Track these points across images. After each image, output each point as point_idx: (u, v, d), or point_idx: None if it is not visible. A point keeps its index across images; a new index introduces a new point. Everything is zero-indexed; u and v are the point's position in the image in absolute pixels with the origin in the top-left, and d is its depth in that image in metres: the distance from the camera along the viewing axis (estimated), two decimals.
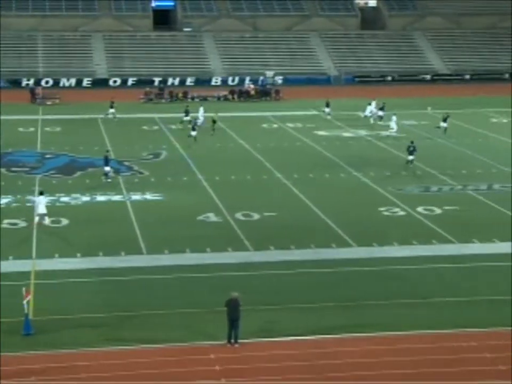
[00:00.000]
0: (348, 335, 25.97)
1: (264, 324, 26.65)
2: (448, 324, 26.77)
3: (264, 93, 79.85)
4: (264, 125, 64.00)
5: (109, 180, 45.11)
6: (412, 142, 50.00)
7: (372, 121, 64.76)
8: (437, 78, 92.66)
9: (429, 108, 67.96)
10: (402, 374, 23.35)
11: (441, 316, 27.54)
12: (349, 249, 34.46)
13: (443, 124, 59.75)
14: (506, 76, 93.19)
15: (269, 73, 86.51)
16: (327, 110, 67.40)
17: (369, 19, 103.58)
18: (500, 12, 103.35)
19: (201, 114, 62.57)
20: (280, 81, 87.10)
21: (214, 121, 59.99)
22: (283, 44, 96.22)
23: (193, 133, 56.36)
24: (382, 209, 40.36)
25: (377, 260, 33.08)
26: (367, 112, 66.00)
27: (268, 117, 67.57)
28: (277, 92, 79.93)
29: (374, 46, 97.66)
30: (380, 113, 65.01)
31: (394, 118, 60.61)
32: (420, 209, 40.23)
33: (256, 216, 39.02)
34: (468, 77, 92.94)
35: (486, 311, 27.99)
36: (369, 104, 66.52)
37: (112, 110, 64.63)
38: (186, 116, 61.96)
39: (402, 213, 39.86)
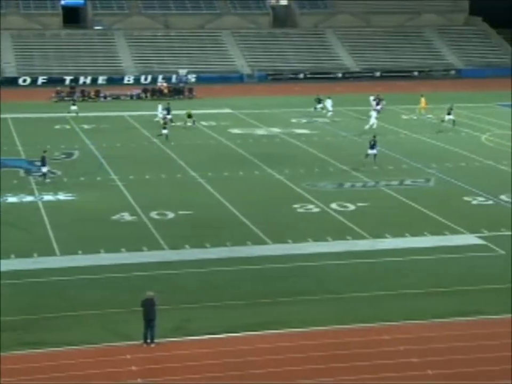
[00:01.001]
0: (264, 332, 26.05)
1: (181, 323, 26.57)
2: (361, 318, 27.10)
3: (177, 91, 79.56)
4: (178, 123, 63.76)
5: (48, 180, 44.42)
6: (374, 136, 50.68)
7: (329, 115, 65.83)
8: (348, 76, 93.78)
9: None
10: (315, 370, 23.54)
11: (355, 311, 27.86)
12: (264, 247, 34.60)
13: (448, 117, 60.99)
14: (415, 73, 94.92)
15: (182, 72, 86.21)
16: (319, 106, 67.98)
17: (281, 17, 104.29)
18: (408, 10, 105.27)
19: (160, 111, 62.91)
20: (193, 80, 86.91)
21: (190, 116, 61.30)
22: (195, 42, 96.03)
23: (165, 131, 56.42)
24: (296, 206, 40.64)
25: (292, 256, 33.30)
26: (329, 107, 66.63)
27: (181, 116, 67.31)
28: (190, 90, 79.72)
29: (286, 43, 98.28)
30: (319, 106, 66.00)
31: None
32: (333, 205, 40.64)
33: (171, 215, 38.87)
34: (378, 74, 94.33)
35: (398, 305, 28.44)
36: (328, 98, 66.81)
37: None
38: (168, 114, 61.77)
39: (316, 209, 40.21)
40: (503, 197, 42.00)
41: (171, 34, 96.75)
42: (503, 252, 33.81)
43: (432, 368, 23.54)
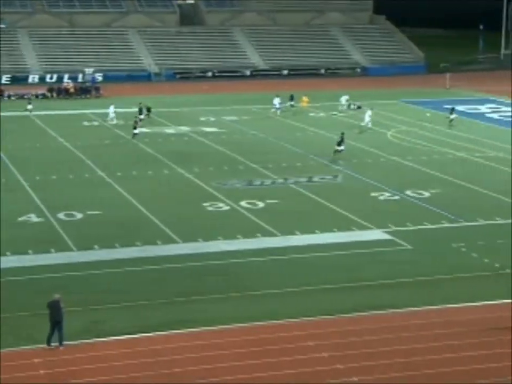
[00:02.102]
0: (176, 331, 25.94)
1: (91, 325, 26.23)
2: (273, 315, 27.20)
3: (83, 90, 78.57)
4: (85, 123, 63.03)
5: None
6: (343, 133, 51.16)
7: (278, 113, 65.72)
8: (256, 74, 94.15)
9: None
10: (229, 367, 23.53)
11: (267, 308, 27.96)
12: (174, 246, 34.45)
13: (452, 116, 61.48)
14: (322, 71, 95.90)
15: (88, 70, 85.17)
16: (291, 102, 67.88)
17: (188, 15, 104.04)
18: (314, 9, 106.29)
19: (111, 111, 62.16)
20: (100, 78, 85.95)
21: (149, 110, 62.29)
22: (102, 40, 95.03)
23: (136, 131, 56.08)
24: (206, 204, 40.58)
25: (203, 255, 33.24)
26: (277, 104, 66.42)
27: (88, 115, 66.57)
28: (97, 89, 78.85)
29: (194, 42, 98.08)
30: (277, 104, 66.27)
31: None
32: (243, 203, 40.74)
33: (79, 216, 38.36)
34: (285, 72, 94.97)
35: (309, 301, 28.66)
36: (276, 96, 66.75)
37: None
38: (140, 113, 60.81)
39: (226, 207, 40.23)
40: (408, 192, 42.75)
41: (77, 32, 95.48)
42: (409, 247, 34.42)
43: (342, 362, 23.79)
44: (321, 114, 66.52)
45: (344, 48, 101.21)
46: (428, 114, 66.22)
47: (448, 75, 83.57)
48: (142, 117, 60.91)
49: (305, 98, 68.18)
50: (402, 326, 26.43)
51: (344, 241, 35.09)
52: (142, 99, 66.49)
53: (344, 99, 68.50)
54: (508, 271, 31.34)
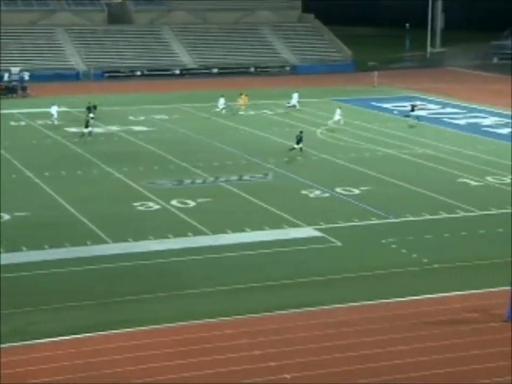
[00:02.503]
0: (110, 332, 25.73)
1: (19, 328, 25.85)
2: (205, 314, 27.15)
3: (10, 89, 77.32)
4: (12, 123, 62.08)
5: None
6: (301, 132, 51.21)
7: (223, 112, 65.07)
8: (186, 73, 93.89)
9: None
10: (162, 367, 23.44)
11: (199, 307, 27.91)
12: (104, 246, 34.15)
13: (412, 113, 61.39)
14: (252, 69, 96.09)
15: (15, 70, 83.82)
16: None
17: (116, 14, 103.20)
18: (243, 8, 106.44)
19: (54, 111, 61.26)
20: (26, 78, 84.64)
21: (95, 107, 61.48)
22: (28, 39, 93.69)
23: (86, 130, 55.65)
24: (136, 204, 40.33)
25: (134, 255, 33.02)
26: (221, 105, 65.75)
27: (15, 115, 65.58)
28: (24, 88, 77.68)
29: (122, 40, 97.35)
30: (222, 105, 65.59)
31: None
32: (174, 202, 40.59)
33: (6, 217, 37.76)
34: (215, 71, 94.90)
35: (240, 299, 28.70)
36: (221, 96, 66.11)
37: None
38: (89, 112, 59.79)
39: (157, 207, 40.03)
40: (338, 189, 43.09)
41: (2, 31, 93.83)
42: (339, 243, 34.70)
43: (274, 360, 23.86)
44: (251, 112, 66.60)
45: (273, 47, 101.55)
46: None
47: (376, 73, 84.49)
48: (92, 115, 60.13)
49: (243, 97, 67.63)
50: (334, 322, 26.62)
51: (275, 239, 35.20)
52: (70, 98, 65.83)
53: (295, 96, 68.06)
54: (436, 266, 31.85)
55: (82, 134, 55.76)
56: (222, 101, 65.81)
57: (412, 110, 61.80)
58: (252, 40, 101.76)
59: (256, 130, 59.35)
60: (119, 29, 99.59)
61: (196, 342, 25.04)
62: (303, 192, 42.84)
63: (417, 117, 61.26)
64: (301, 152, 50.46)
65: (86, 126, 56.28)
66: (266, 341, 25.14)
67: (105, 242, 34.60)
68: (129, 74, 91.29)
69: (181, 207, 39.96)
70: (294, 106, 67.70)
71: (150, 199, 41.16)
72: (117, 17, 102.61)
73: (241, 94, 67.73)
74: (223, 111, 65.22)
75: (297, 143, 50.83)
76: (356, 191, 42.75)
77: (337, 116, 60.28)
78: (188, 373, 23.08)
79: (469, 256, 32.90)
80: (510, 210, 39.19)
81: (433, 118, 64.64)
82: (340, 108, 61.47)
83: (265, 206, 40.16)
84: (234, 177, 45.87)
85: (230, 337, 25.46)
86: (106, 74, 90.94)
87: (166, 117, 65.34)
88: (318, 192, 42.86)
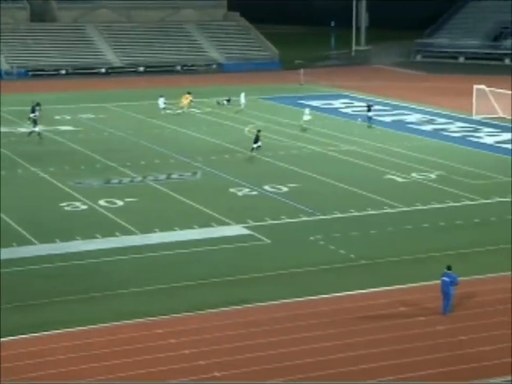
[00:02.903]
0: (37, 334, 25.42)
1: None
2: (133, 314, 27.01)
3: None
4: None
5: None
6: (259, 131, 51.02)
7: (162, 112, 64.41)
8: (111, 71, 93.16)
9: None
10: (91, 368, 23.27)
11: (127, 307, 27.74)
12: (30, 247, 33.69)
13: (368, 114, 60.39)
14: (178, 68, 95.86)
15: None
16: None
17: (39, 12, 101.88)
18: (168, 6, 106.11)
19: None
20: None
21: (38, 104, 59.69)
22: None
23: (36, 129, 54.87)
24: (63, 204, 39.87)
25: (61, 255, 32.64)
26: (161, 104, 65.00)
27: None
28: None
29: (46, 39, 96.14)
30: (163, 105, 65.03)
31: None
32: (101, 202, 40.24)
33: None
34: (141, 69, 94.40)
35: (169, 299, 28.60)
36: (161, 96, 65.47)
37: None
38: (33, 112, 58.09)
39: (84, 207, 39.63)
40: (266, 187, 43.25)
41: None
42: (268, 241, 34.84)
43: (204, 358, 23.85)
44: (179, 111, 66.35)
45: (199, 45, 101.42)
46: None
47: (302, 71, 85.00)
48: (37, 114, 58.93)
49: (188, 96, 66.82)
50: (263, 319, 26.71)
51: (204, 237, 35.17)
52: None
53: (242, 96, 67.37)
54: (363, 262, 32.20)
55: (31, 133, 54.82)
56: (162, 100, 65.27)
57: (369, 110, 60.85)
58: (177, 38, 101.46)
59: (184, 129, 59.19)
60: (42, 27, 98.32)
61: (128, 342, 24.91)
62: (232, 190, 42.89)
63: (369, 118, 60.61)
64: (256, 151, 50.18)
65: (34, 126, 55.39)
66: (187, 341, 25.11)
67: (31, 243, 34.13)
68: (54, 73, 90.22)
69: (109, 206, 39.63)
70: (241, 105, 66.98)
71: (77, 199, 40.73)
72: (40, 15, 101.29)
73: (188, 93, 67.00)
74: (163, 111, 64.55)
75: (255, 142, 50.54)
76: (284, 189, 42.96)
77: (307, 116, 60.05)
78: (123, 373, 22.99)
79: (395, 252, 33.34)
80: (435, 206, 39.86)
81: (358, 116, 65.25)
82: (307, 108, 61.11)
83: (194, 204, 40.09)
84: (163, 176, 45.68)
85: (158, 337, 25.36)
86: (31, 73, 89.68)
87: (93, 116, 64.72)
88: (246, 190, 42.95)
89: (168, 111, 64.86)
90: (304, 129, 58.44)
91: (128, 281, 30.10)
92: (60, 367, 23.28)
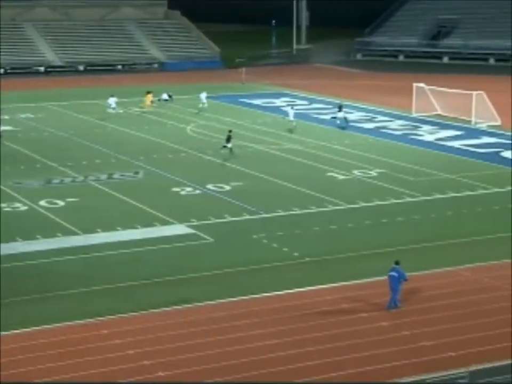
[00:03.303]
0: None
1: None
2: (77, 315, 26.79)
3: None
4: None
5: None
6: (230, 131, 50.15)
7: (111, 111, 63.32)
8: (51, 70, 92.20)
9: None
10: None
11: (70, 308, 27.51)
12: None
13: (339, 114, 59.50)
14: (119, 67, 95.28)
15: None
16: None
17: None
18: (107, 4, 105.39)
19: None
20: None
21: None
22: None
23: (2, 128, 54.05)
24: (3, 205, 39.34)
25: (1, 257, 32.19)
26: (113, 105, 63.74)
27: None
28: None
29: None
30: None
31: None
32: (42, 202, 39.81)
33: None
34: (82, 68, 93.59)
35: (112, 299, 28.42)
36: (111, 96, 64.19)
37: None
38: None
39: (24, 207, 39.15)
40: (209, 186, 43.20)
41: None
42: (212, 240, 34.80)
43: (149, 358, 23.76)
44: (120, 110, 65.90)
45: (140, 44, 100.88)
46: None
47: (243, 70, 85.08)
48: None
49: (149, 96, 65.91)
50: (205, 319, 26.67)
51: (147, 237, 35.01)
52: None
53: (203, 96, 66.52)
54: (307, 259, 32.35)
55: None
56: (113, 100, 64.32)
57: (339, 110, 60.06)
58: (118, 37, 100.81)
59: (126, 128, 58.81)
60: None
61: (80, 342, 24.76)
62: (174, 189, 42.75)
63: (345, 118, 60.06)
64: (225, 150, 49.71)
65: None
66: (133, 341, 24.99)
67: None
68: None
69: (50, 207, 39.22)
70: (203, 104, 66.29)
71: (17, 200, 40.22)
72: None
73: (148, 93, 66.40)
74: (113, 110, 63.72)
75: (227, 141, 49.72)
76: (227, 187, 42.96)
77: (291, 117, 59.40)
78: (77, 373, 22.89)
79: (338, 249, 33.56)
80: (377, 203, 40.21)
81: (300, 114, 65.56)
82: (291, 107, 60.68)
83: (137, 204, 39.88)
84: (104, 176, 45.34)
85: (105, 337, 25.20)
86: None
87: (32, 116, 63.99)
88: (189, 189, 42.85)
89: (120, 111, 64.16)
90: (291, 131, 57.69)
91: (71, 282, 29.79)
92: (20, 367, 23.10)
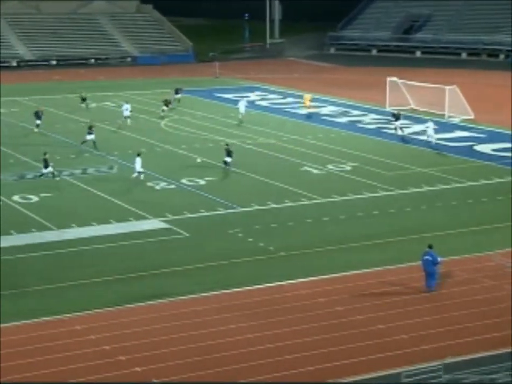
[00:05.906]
0: None
1: None
2: (52, 310, 26.71)
3: None
4: None
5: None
6: (227, 145, 46.71)
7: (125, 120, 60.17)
8: (23, 64, 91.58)
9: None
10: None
11: (45, 304, 27.40)
12: None
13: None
14: (92, 60, 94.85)
15: None
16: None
17: None
18: None
19: None
20: None
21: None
22: None
23: None
24: None
25: None
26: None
27: None
28: None
29: None
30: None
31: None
32: (16, 198, 39.56)
33: None
34: (54, 62, 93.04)
35: (88, 294, 28.31)
36: (126, 102, 61.95)
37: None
38: None
39: None
40: (184, 180, 43.13)
41: None
42: (187, 234, 34.76)
43: (124, 353, 23.70)
44: (93, 105, 65.58)
45: (113, 38, 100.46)
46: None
47: (217, 64, 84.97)
48: None
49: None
50: (181, 313, 26.65)
51: (121, 232, 34.91)
52: None
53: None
54: (283, 253, 32.38)
55: None
56: (126, 107, 60.27)
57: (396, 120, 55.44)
58: (90, 31, 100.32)
59: (100, 123, 58.46)
60: None
61: (57, 337, 24.67)
62: (149, 184, 42.63)
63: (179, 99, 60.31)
64: (228, 166, 45.61)
65: None
66: (109, 336, 24.94)
67: None
68: None
69: (24, 202, 38.99)
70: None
71: None
72: None
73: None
74: (128, 119, 62.24)
75: (227, 155, 45.43)
76: (202, 182, 42.90)
77: (242, 108, 59.03)
78: (56, 368, 22.80)
79: (314, 243, 33.61)
80: (351, 197, 40.33)
81: (274, 108, 65.63)
82: (244, 99, 60.47)
83: (111, 199, 39.73)
84: (78, 171, 45.12)
85: (82, 332, 25.10)
86: None
87: (4, 111, 63.50)
88: (163, 183, 42.75)
89: (93, 105, 63.43)
90: (241, 122, 57.42)
91: (45, 278, 29.66)
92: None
